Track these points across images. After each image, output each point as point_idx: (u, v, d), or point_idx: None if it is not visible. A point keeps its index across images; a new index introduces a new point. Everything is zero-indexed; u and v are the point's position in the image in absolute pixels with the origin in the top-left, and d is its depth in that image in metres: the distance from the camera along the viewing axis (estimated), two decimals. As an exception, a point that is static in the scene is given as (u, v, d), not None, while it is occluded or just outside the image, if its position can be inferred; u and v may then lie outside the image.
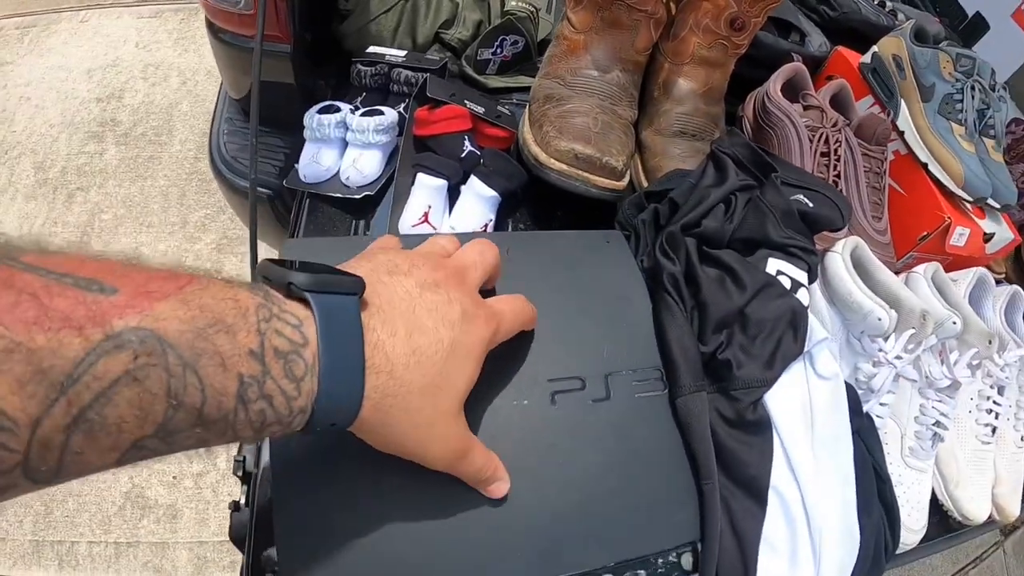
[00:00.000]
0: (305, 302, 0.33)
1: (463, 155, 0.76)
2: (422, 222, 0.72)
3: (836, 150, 0.91)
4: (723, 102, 0.90)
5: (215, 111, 1.09)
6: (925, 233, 0.95)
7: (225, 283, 0.31)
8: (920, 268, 0.83)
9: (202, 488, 1.59)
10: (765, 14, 0.84)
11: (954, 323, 0.75)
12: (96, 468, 0.27)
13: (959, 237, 0.95)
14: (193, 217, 2.03)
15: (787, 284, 0.65)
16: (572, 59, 0.82)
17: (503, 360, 0.52)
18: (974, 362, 0.81)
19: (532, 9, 0.95)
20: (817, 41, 1.18)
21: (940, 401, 0.80)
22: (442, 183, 0.74)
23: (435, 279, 0.40)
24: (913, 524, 0.77)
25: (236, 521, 0.57)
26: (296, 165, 0.84)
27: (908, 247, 0.97)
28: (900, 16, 1.28)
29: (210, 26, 0.94)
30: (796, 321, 0.61)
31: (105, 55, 2.46)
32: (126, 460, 0.28)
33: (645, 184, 0.84)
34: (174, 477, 1.60)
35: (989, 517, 0.83)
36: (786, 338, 0.61)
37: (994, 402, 0.86)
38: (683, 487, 0.54)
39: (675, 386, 0.57)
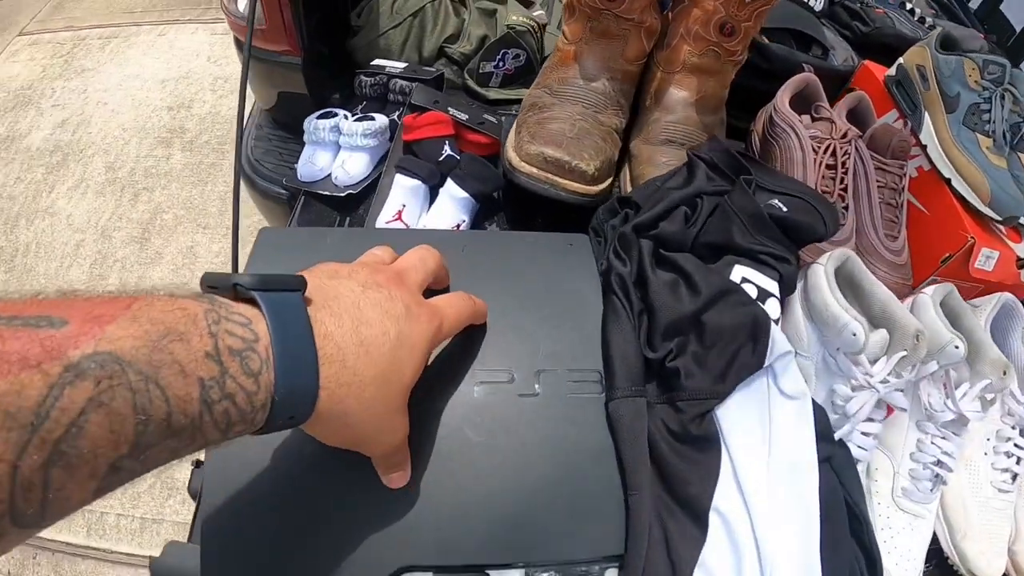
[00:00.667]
0: (251, 301, 0.34)
1: (441, 158, 0.78)
2: (395, 219, 0.75)
3: (844, 163, 0.87)
4: (722, 112, 0.89)
5: (247, 123, 1.16)
6: (947, 255, 0.88)
7: (169, 297, 0.31)
8: (929, 289, 0.75)
9: (228, 473, 1.66)
10: (757, 19, 0.82)
11: (956, 347, 0.67)
12: (77, 501, 0.27)
13: (986, 260, 0.87)
14: (247, 222, 2.11)
15: (753, 293, 0.62)
16: (562, 69, 0.83)
17: (435, 350, 0.52)
18: (987, 396, 0.71)
19: (533, 24, 0.97)
20: (842, 55, 1.14)
21: (943, 437, 0.70)
22: (417, 184, 0.76)
23: (376, 280, 0.42)
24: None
25: (195, 476, 0.60)
26: (295, 165, 0.88)
27: (929, 270, 0.90)
28: (938, 29, 1.23)
29: (236, 41, 1.01)
30: (756, 332, 0.57)
31: (179, 67, 2.64)
32: (104, 487, 0.28)
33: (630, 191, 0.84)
34: (200, 461, 1.67)
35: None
36: (744, 350, 0.57)
37: (1015, 445, 0.74)
38: (608, 495, 0.52)
39: (611, 389, 0.56)
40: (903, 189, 0.92)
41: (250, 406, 0.32)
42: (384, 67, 0.90)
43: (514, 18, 0.96)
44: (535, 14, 1.00)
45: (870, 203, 0.88)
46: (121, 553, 1.57)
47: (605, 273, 0.64)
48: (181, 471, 1.53)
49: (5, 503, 0.24)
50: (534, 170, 0.74)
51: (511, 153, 0.77)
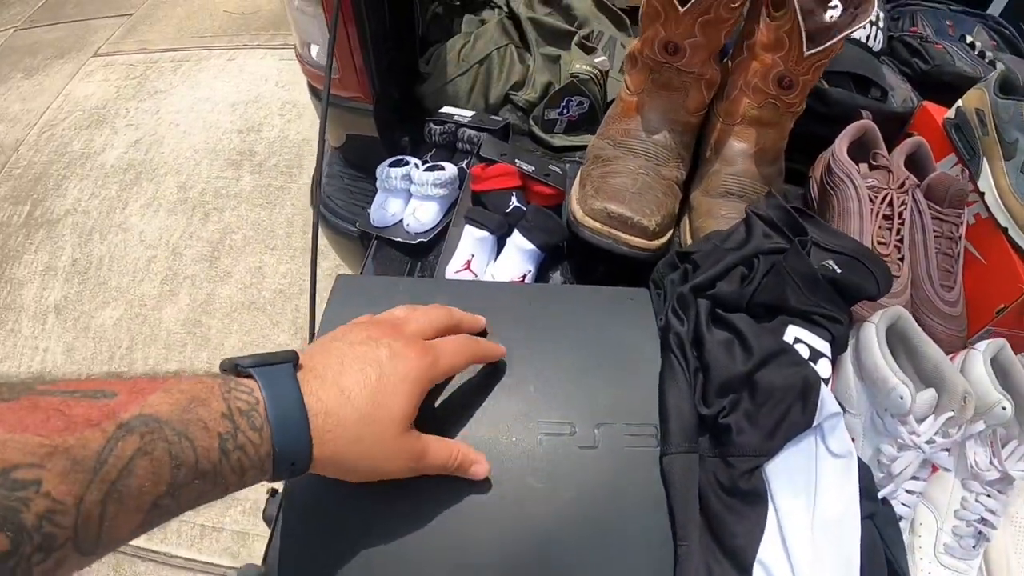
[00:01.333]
0: (251, 376, 0.43)
1: (509, 210, 0.82)
2: (464, 269, 0.79)
3: (900, 213, 0.87)
4: (780, 162, 0.91)
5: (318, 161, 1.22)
6: (1002, 306, 0.87)
7: (193, 375, 0.40)
8: (981, 344, 0.73)
9: (287, 489, 1.71)
10: (815, 71, 0.84)
11: (1003, 408, 0.66)
12: (126, 533, 0.34)
13: (1042, 312, 0.85)
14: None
15: (805, 353, 0.63)
16: (625, 120, 0.87)
17: (503, 399, 0.59)
18: None
19: (597, 72, 1.01)
20: (901, 96, 1.14)
21: (988, 495, 0.70)
22: (486, 235, 0.80)
23: (368, 335, 0.50)
24: (943, 630, 0.67)
25: (270, 504, 0.66)
26: (368, 210, 0.93)
27: (984, 321, 0.90)
28: (999, 67, 1.18)
29: (310, 86, 1.08)
30: (807, 392, 0.59)
31: (248, 91, 2.73)
32: (147, 522, 0.35)
33: (689, 244, 0.87)
34: None
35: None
36: (794, 409, 0.59)
37: (1061, 503, 0.71)
38: (659, 545, 0.54)
39: (665, 444, 0.59)
40: (960, 238, 0.91)
41: (257, 455, 0.40)
42: (452, 115, 0.95)
43: (578, 66, 1.00)
44: (597, 60, 1.04)
45: (926, 253, 0.88)
46: (180, 558, 1.63)
47: (664, 330, 0.67)
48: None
49: (70, 530, 0.31)
50: (597, 225, 0.77)
51: (575, 207, 0.81)
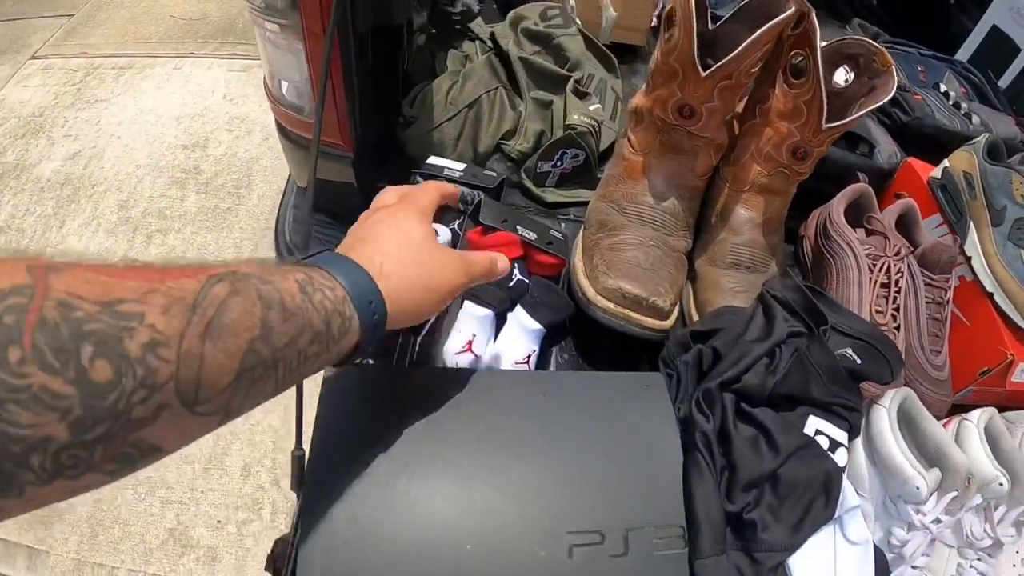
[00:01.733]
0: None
1: (512, 283, 0.75)
2: (465, 350, 0.72)
3: (897, 281, 0.86)
4: (782, 229, 0.88)
5: (282, 199, 1.13)
6: (986, 368, 0.89)
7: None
8: (974, 415, 0.77)
9: (244, 536, 1.59)
10: (829, 143, 0.82)
11: (1001, 484, 0.70)
12: (225, 384, 0.34)
13: (1023, 373, 0.88)
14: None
15: (825, 444, 0.64)
16: (629, 183, 0.81)
17: (525, 506, 0.56)
18: (1021, 519, 0.75)
19: (594, 124, 0.94)
20: (887, 152, 1.13)
21: (979, 559, 0.74)
22: (487, 312, 0.74)
23: (379, 217, 0.55)
24: None
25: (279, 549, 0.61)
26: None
27: (967, 381, 0.91)
28: (975, 120, 1.21)
29: (279, 126, 0.97)
30: (829, 486, 0.60)
31: (194, 103, 2.55)
32: (245, 369, 0.35)
33: (695, 317, 0.82)
34: (219, 521, 1.61)
35: None
36: (817, 503, 0.59)
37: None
38: None
39: (695, 548, 0.57)
40: (948, 302, 0.91)
41: (335, 296, 0.43)
42: (442, 168, 0.87)
43: (575, 117, 0.93)
44: (592, 108, 0.98)
45: (918, 320, 0.87)
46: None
47: (686, 423, 0.65)
48: (194, 527, 1.45)
49: (172, 365, 0.31)
50: (611, 305, 0.72)
51: (585, 283, 0.75)
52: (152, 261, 0.36)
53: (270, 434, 1.74)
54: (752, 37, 0.68)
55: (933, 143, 1.14)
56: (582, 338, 0.79)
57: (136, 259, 0.36)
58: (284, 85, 0.98)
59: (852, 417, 0.67)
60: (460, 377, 0.64)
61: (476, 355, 0.72)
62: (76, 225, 2.14)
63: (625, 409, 0.65)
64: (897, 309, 0.85)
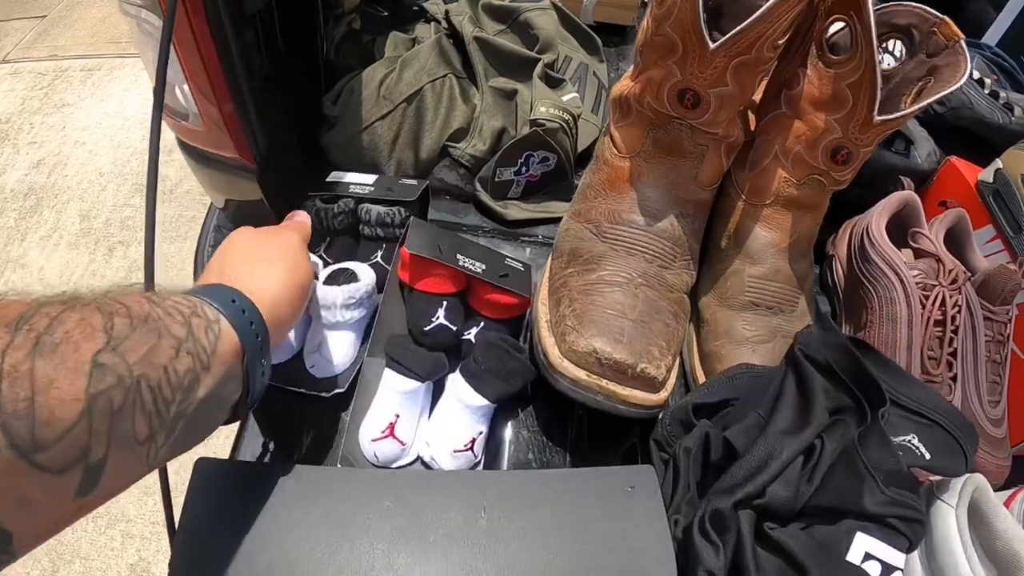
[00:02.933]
0: None
1: (428, 328, 0.52)
2: (385, 436, 0.49)
3: (954, 318, 0.65)
4: (811, 254, 0.64)
5: (205, 220, 0.90)
6: None
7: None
8: None
9: (207, 575, 1.43)
10: (878, 142, 0.58)
11: None
12: (71, 405, 0.26)
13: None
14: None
15: (875, 572, 0.43)
16: (612, 195, 0.58)
17: None
18: None
19: (568, 118, 0.69)
20: (925, 150, 0.90)
21: None
22: (415, 386, 0.50)
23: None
24: None
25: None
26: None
27: None
28: (1017, 111, 0.98)
29: (179, 141, 0.71)
30: None
31: (161, 107, 2.33)
32: (97, 393, 0.27)
33: (699, 377, 0.59)
34: None
35: None
36: None
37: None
38: None
39: None
40: (1008, 338, 0.70)
41: (188, 302, 0.35)
42: (347, 184, 0.63)
43: (542, 109, 0.69)
44: (566, 98, 0.73)
45: (975, 364, 0.67)
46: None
47: (687, 548, 0.44)
48: (156, 563, 1.25)
49: None
50: (582, 375, 0.48)
51: (548, 341, 0.51)
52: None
53: None
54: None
55: (971, 138, 0.94)
56: (548, 406, 0.55)
57: None
58: (177, 90, 0.75)
59: (912, 531, 0.46)
60: (380, 480, 0.42)
61: (400, 442, 0.50)
62: (38, 238, 1.96)
63: (605, 517, 0.43)
64: (953, 354, 0.65)
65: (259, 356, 0.38)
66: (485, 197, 0.70)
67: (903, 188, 0.79)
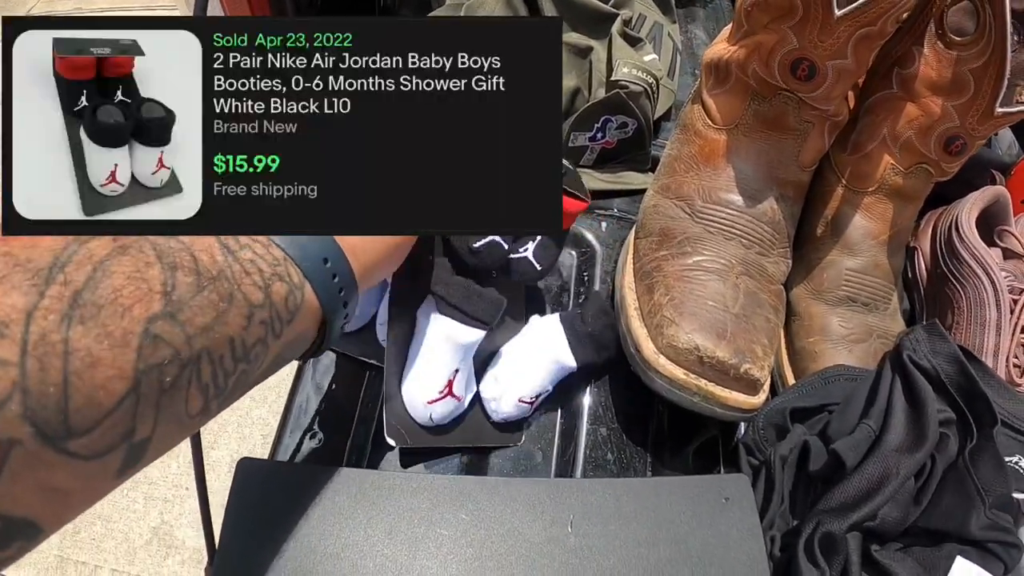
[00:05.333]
0: None
1: (479, 243, 0.43)
2: (443, 396, 0.44)
3: None
4: (905, 249, 0.60)
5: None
6: None
7: None
8: None
9: (232, 537, 1.44)
10: (993, 132, 0.54)
11: None
12: (115, 384, 0.21)
13: None
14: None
15: None
16: (706, 171, 0.53)
17: None
18: None
19: (651, 81, 0.64)
20: (1006, 142, 0.86)
21: None
22: (480, 336, 0.44)
23: None
24: None
25: None
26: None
27: None
28: None
29: None
30: None
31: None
32: (147, 369, 0.22)
33: (787, 374, 0.55)
34: None
35: None
36: None
37: None
38: None
39: None
40: None
41: (271, 256, 0.29)
42: None
43: (625, 70, 0.63)
44: (647, 59, 0.68)
45: None
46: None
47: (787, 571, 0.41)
48: (179, 527, 1.43)
49: (14, 368, 0.19)
50: (680, 374, 0.44)
51: (641, 333, 0.47)
52: None
53: (260, 427, 1.52)
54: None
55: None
56: (628, 402, 0.51)
57: None
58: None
59: (1009, 556, 0.44)
60: (432, 489, 0.38)
61: (458, 398, 0.46)
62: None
63: (694, 533, 0.39)
64: None
65: (339, 315, 0.33)
66: (557, 161, 0.65)
67: (992, 181, 0.74)
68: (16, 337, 0.19)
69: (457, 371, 0.46)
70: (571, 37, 0.70)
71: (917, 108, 0.53)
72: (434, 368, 0.45)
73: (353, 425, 0.49)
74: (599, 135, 0.65)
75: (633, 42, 0.71)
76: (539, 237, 0.47)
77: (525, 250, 0.47)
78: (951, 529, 0.42)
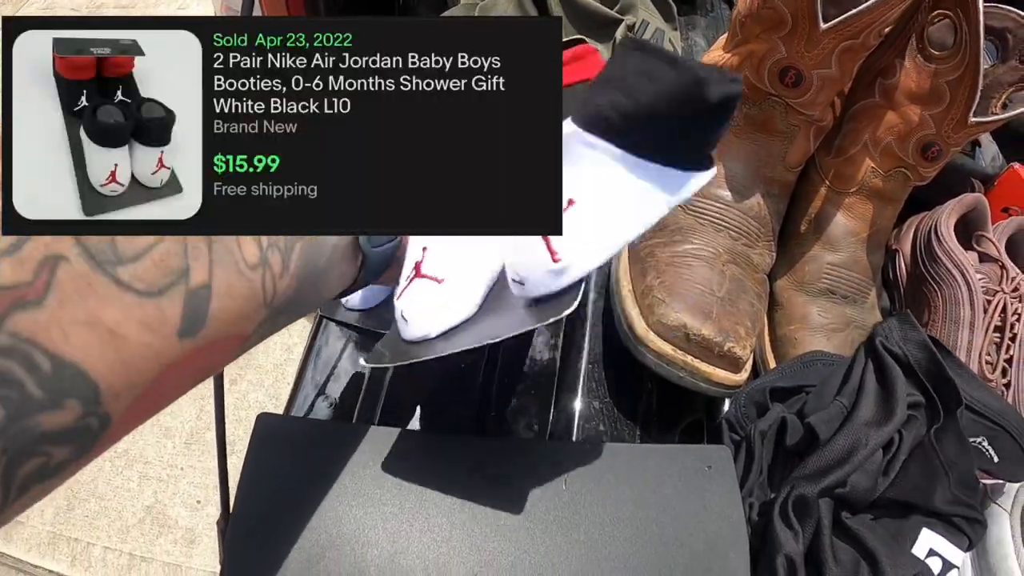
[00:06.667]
0: None
1: None
2: (411, 280, 0.38)
3: (1013, 326, 0.65)
4: (884, 248, 0.64)
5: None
6: None
7: None
8: None
9: (224, 519, 1.45)
10: (968, 141, 0.58)
11: None
12: None
13: None
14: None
15: (936, 568, 0.46)
16: (698, 168, 0.57)
17: None
18: None
19: None
20: (990, 153, 0.90)
21: None
22: None
23: None
24: None
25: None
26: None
27: None
28: None
29: None
30: None
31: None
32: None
33: (769, 359, 0.59)
34: (198, 501, 1.47)
35: None
36: None
37: None
38: None
39: None
40: None
41: None
42: None
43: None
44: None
45: None
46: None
47: (763, 535, 0.45)
48: (172, 507, 1.48)
49: None
50: (668, 349, 0.48)
51: (633, 312, 0.51)
52: None
53: (256, 409, 1.55)
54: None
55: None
56: (620, 377, 0.55)
57: None
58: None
59: (974, 532, 0.48)
60: (440, 447, 0.42)
61: (436, 279, 0.37)
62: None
63: (678, 497, 0.43)
64: (1009, 361, 0.64)
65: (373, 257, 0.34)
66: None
67: (972, 190, 0.78)
68: None
69: (425, 249, 0.38)
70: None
71: (897, 116, 0.57)
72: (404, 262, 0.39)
73: (362, 391, 0.53)
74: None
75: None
76: None
77: None
78: (918, 502, 0.46)
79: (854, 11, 0.48)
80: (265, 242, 0.26)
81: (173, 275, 0.22)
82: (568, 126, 0.34)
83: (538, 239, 0.33)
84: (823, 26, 0.49)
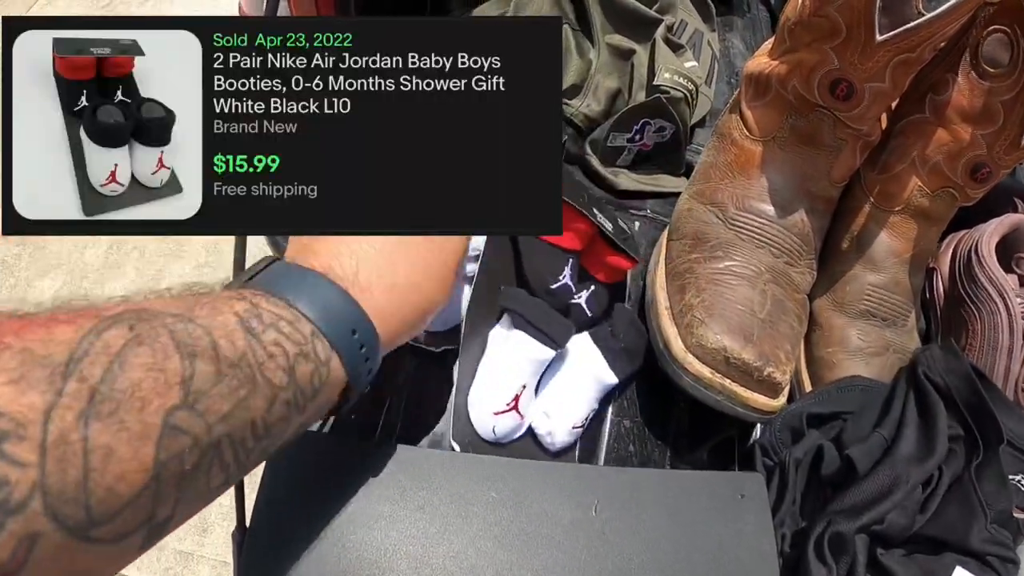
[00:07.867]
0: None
1: (555, 287, 0.49)
2: (509, 410, 0.46)
3: None
4: (925, 269, 0.62)
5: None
6: None
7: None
8: None
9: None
10: (1019, 163, 0.56)
11: None
12: (134, 476, 0.22)
13: None
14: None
15: None
16: (740, 180, 0.55)
17: None
18: None
19: (691, 87, 0.66)
20: (1027, 168, 0.87)
21: None
22: (551, 355, 0.47)
23: None
24: None
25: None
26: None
27: None
28: None
29: None
30: None
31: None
32: (167, 459, 0.22)
33: (804, 381, 0.57)
34: None
35: None
36: None
37: None
38: None
39: None
40: None
41: (299, 335, 0.28)
42: None
43: (667, 75, 0.65)
44: (688, 66, 0.70)
45: None
46: (118, 576, 1.40)
47: (796, 567, 0.44)
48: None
49: (34, 470, 0.19)
50: (707, 372, 0.46)
51: (671, 331, 0.49)
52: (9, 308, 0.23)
53: None
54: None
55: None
56: (651, 398, 0.53)
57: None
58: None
59: (1007, 571, 0.47)
60: (465, 468, 0.41)
61: (521, 415, 0.47)
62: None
63: (709, 525, 0.42)
64: None
65: (362, 382, 0.33)
66: (595, 162, 0.67)
67: (1014, 210, 0.76)
68: (35, 438, 0.19)
69: (524, 387, 0.48)
70: (614, 39, 0.72)
71: (947, 134, 0.55)
72: (505, 380, 0.47)
73: (384, 408, 0.52)
74: (637, 137, 0.67)
75: (675, 48, 0.73)
76: (593, 286, 0.51)
77: (579, 296, 0.51)
78: (953, 540, 0.45)
79: (913, 24, 0.46)
80: (233, 470, 0.26)
81: (140, 522, 0.23)
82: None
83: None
84: (879, 38, 0.47)
